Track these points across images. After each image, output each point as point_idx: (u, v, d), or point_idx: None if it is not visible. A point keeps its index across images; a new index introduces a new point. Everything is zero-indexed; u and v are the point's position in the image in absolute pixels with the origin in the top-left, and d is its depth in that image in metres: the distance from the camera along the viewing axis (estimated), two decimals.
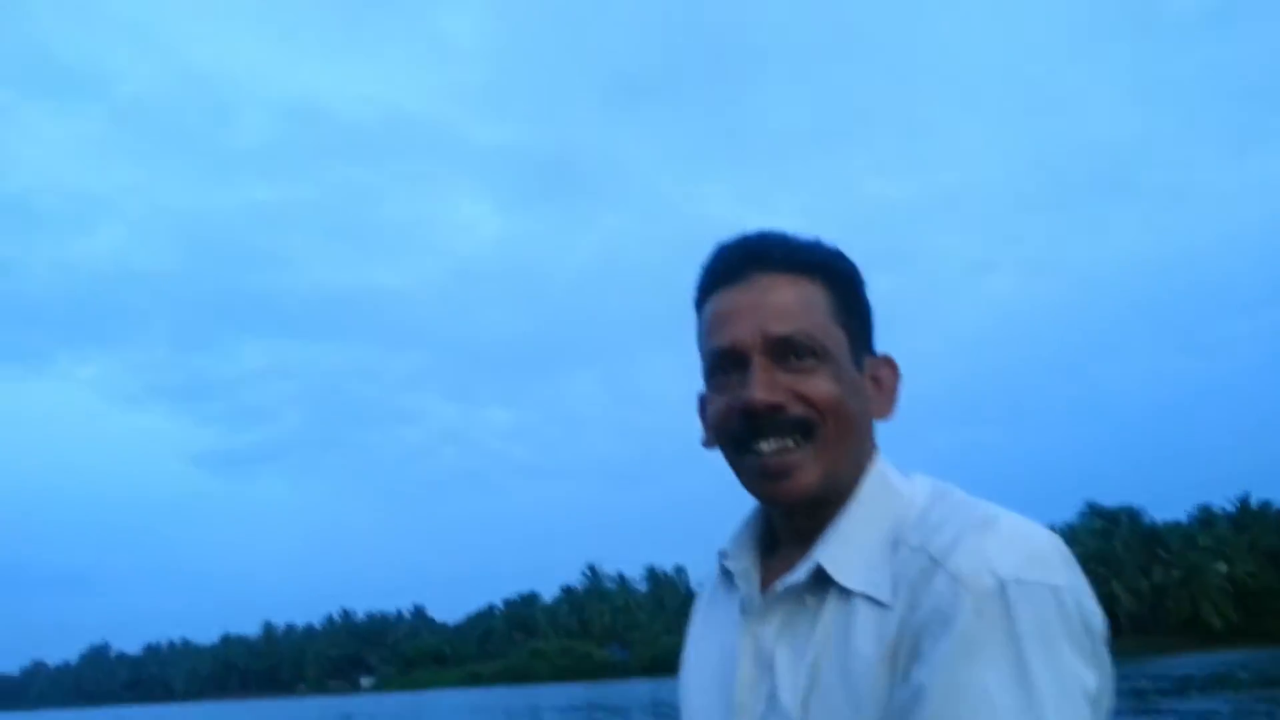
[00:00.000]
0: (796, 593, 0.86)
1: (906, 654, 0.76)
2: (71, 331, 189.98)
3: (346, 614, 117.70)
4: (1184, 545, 65.17)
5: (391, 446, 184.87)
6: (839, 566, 0.83)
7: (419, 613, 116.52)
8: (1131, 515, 70.32)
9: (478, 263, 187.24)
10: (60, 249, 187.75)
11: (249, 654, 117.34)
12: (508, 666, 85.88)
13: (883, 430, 0.93)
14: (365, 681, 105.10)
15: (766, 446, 0.85)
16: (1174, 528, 68.69)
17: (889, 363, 0.94)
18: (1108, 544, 65.98)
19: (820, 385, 0.85)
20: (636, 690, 50.60)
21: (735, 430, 0.87)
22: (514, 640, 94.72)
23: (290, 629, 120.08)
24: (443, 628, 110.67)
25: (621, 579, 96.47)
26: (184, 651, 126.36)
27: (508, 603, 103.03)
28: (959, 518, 0.80)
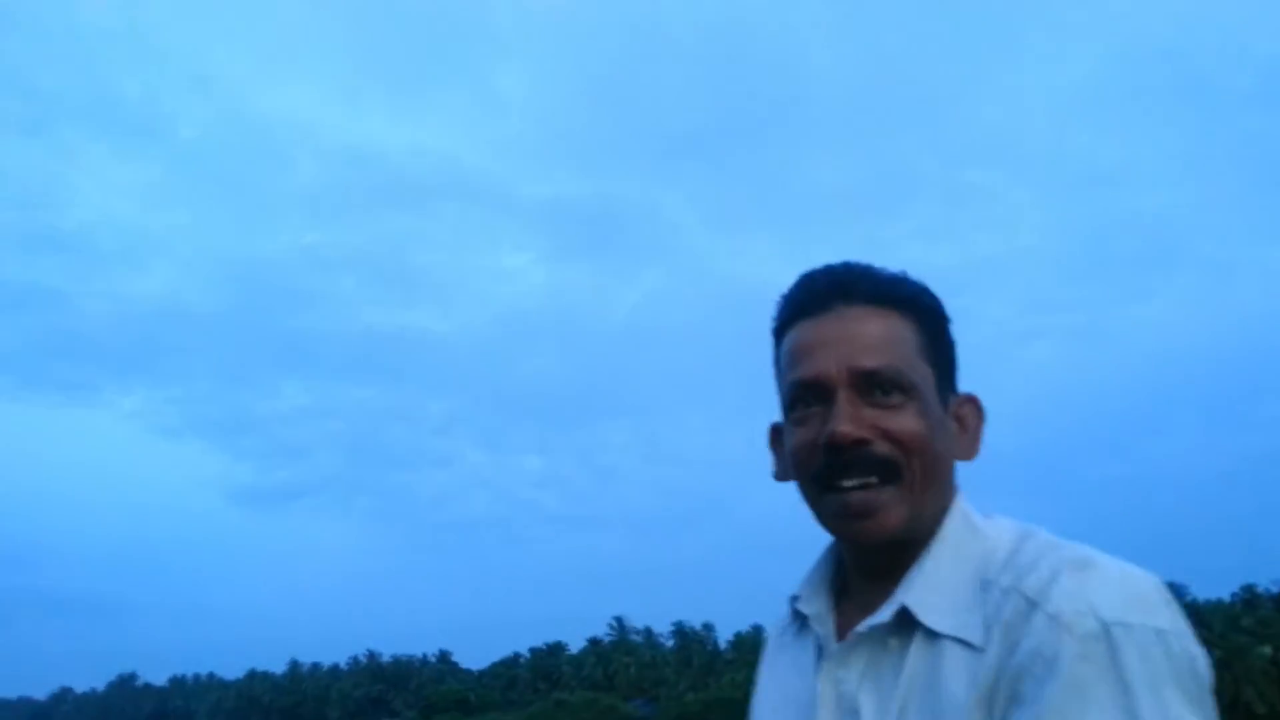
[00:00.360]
0: (879, 635, 0.83)
1: (1005, 698, 0.73)
2: (118, 364, 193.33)
3: (372, 655, 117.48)
4: (1227, 626, 63.64)
5: (424, 489, 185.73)
6: (926, 608, 0.80)
7: (444, 658, 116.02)
8: (1176, 592, 68.09)
9: (519, 312, 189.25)
10: (113, 285, 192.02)
11: (274, 691, 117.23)
12: (531, 716, 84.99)
13: None
14: None
15: (850, 484, 0.83)
16: (1217, 606, 67.06)
17: (973, 402, 0.91)
18: None
19: (907, 422, 0.83)
20: None
21: (816, 466, 0.85)
22: (538, 690, 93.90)
23: (316, 668, 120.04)
24: (468, 674, 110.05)
25: (649, 633, 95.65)
26: (209, 685, 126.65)
27: (534, 651, 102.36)
28: (1052, 557, 0.77)
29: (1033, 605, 0.74)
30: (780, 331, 0.92)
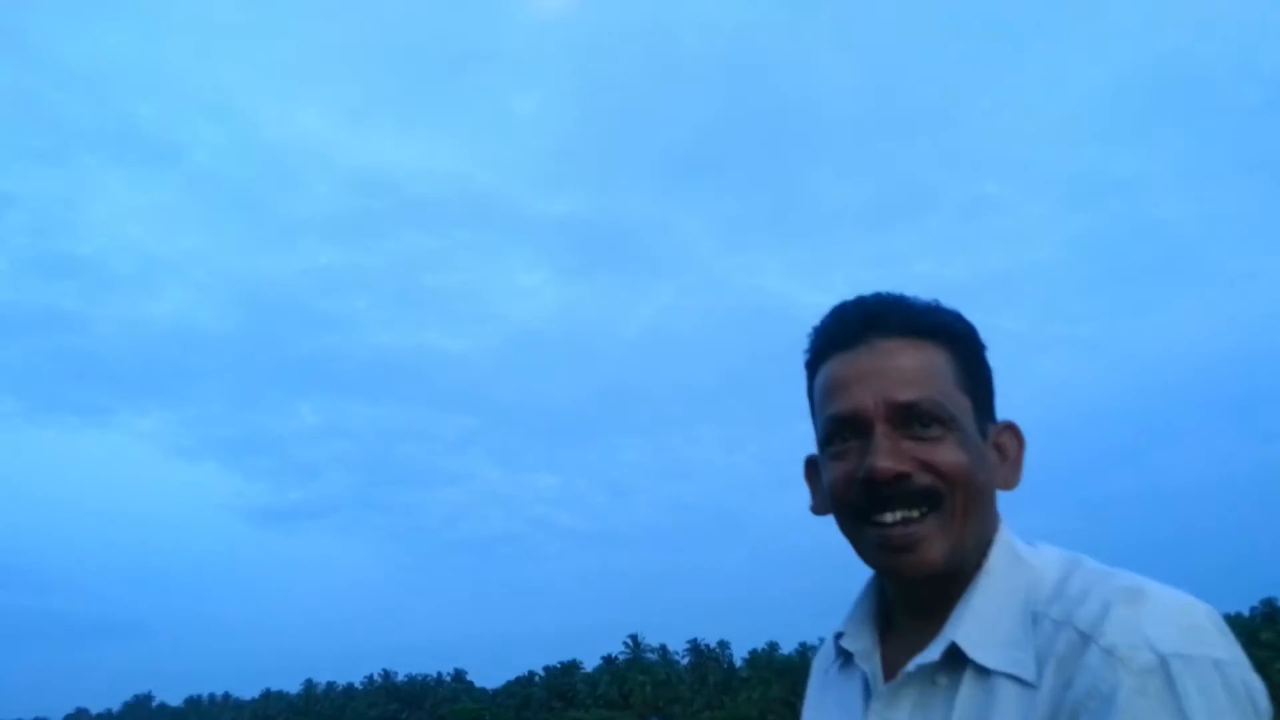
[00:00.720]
0: (928, 673, 0.82)
1: None
2: (133, 386, 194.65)
3: (387, 674, 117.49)
4: (1246, 641, 62.63)
5: (438, 508, 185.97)
6: (975, 644, 0.79)
7: (459, 676, 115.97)
8: None
9: (532, 330, 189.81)
10: (128, 308, 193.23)
11: (289, 710, 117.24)
12: None
13: None
14: None
15: (890, 518, 0.82)
16: (1235, 621, 66.59)
17: (1012, 429, 0.90)
18: None
19: (948, 454, 0.82)
20: None
21: (856, 500, 0.84)
22: (553, 708, 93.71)
23: (331, 687, 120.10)
24: (482, 692, 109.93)
25: (664, 651, 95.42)
26: (224, 705, 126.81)
27: (548, 670, 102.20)
28: (1102, 588, 0.76)
29: (1086, 639, 0.73)
30: (813, 365, 0.91)
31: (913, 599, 0.87)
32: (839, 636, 0.94)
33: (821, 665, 1.00)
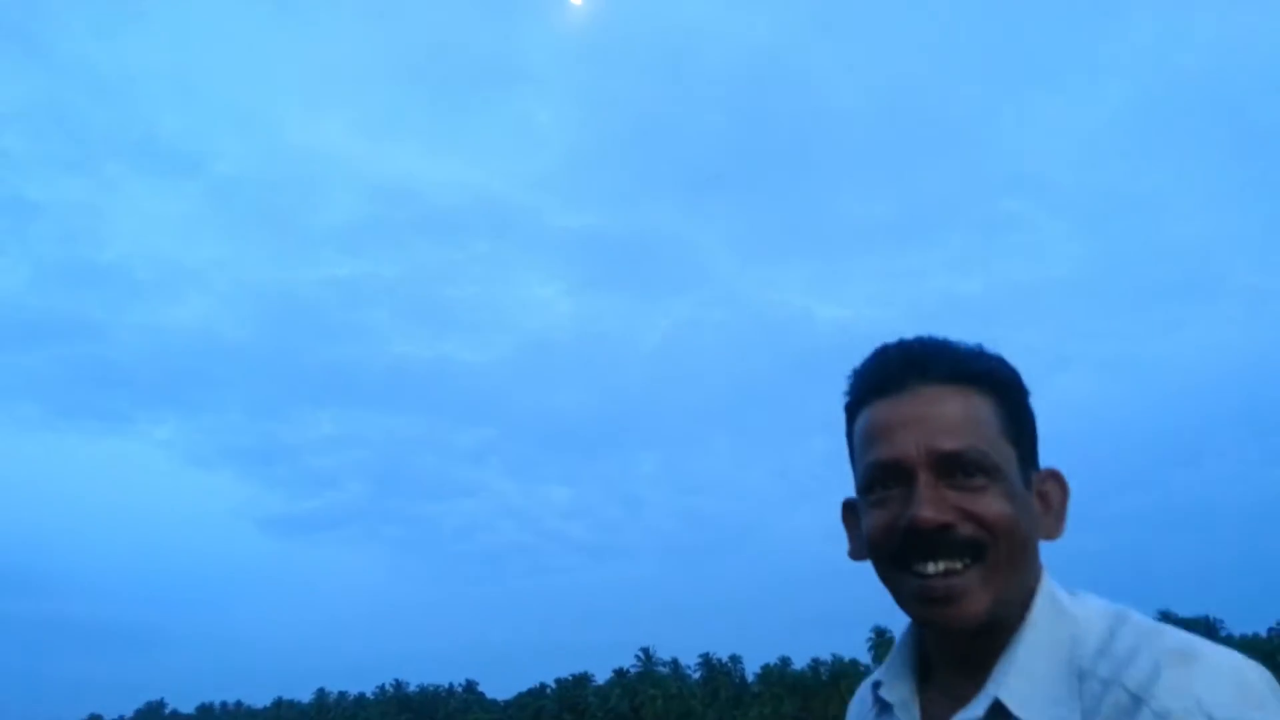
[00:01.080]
0: None
1: None
2: (152, 394, 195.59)
3: (399, 684, 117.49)
4: (1263, 663, 62.11)
5: (452, 519, 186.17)
6: (1020, 701, 0.77)
7: (470, 687, 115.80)
8: (1209, 627, 67.65)
9: (549, 342, 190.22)
10: (149, 316, 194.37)
11: (301, 719, 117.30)
12: None
13: None
14: None
15: (932, 568, 0.80)
16: (1253, 642, 65.87)
17: (1056, 478, 0.88)
18: None
19: (992, 504, 0.80)
20: None
21: (896, 549, 0.82)
22: None
23: (343, 696, 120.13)
24: (494, 704, 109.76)
25: (675, 664, 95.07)
26: (236, 713, 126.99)
27: (559, 682, 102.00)
28: (1151, 647, 0.74)
29: (1137, 701, 0.71)
30: (853, 408, 0.89)
31: (952, 651, 0.86)
32: (877, 685, 0.92)
33: (858, 713, 0.98)
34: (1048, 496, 0.87)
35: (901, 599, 0.84)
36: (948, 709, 0.82)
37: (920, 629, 0.91)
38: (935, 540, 0.79)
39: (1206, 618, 68.78)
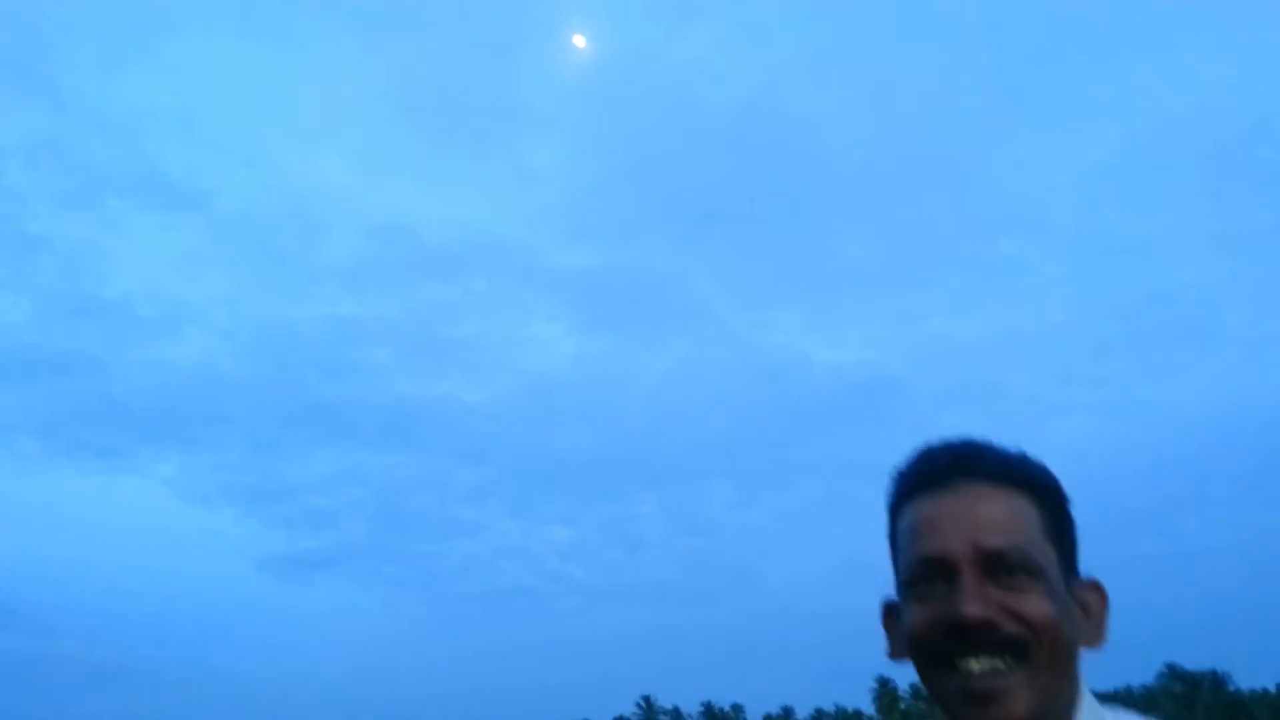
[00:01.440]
0: None
1: None
2: (153, 431, 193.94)
3: None
4: (1270, 715, 61.86)
5: (452, 559, 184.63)
6: None
7: None
8: (1215, 680, 67.06)
9: (549, 382, 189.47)
10: (151, 352, 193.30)
11: None
12: None
13: None
14: None
15: (976, 667, 0.79)
16: (1260, 696, 65.34)
17: (1097, 588, 0.88)
18: (1188, 710, 62.92)
19: (1037, 604, 0.80)
20: None
21: (938, 645, 0.81)
22: None
23: None
24: None
25: (677, 713, 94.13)
26: None
27: None
28: None
29: None
30: (898, 505, 0.90)
31: None
32: None
33: None
34: (1088, 605, 0.87)
35: (942, 700, 0.83)
36: None
37: None
38: (979, 637, 0.79)
39: (1214, 671, 68.19)
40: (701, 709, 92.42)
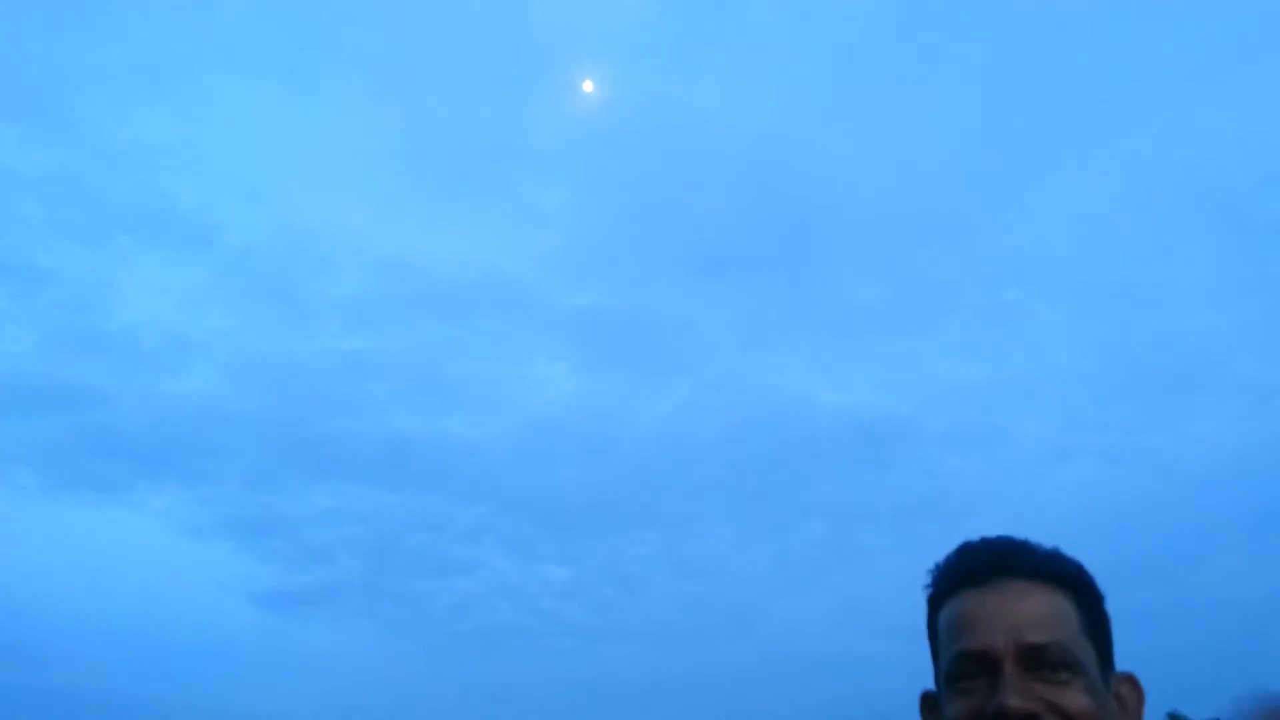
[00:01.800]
0: None
1: None
2: (151, 464, 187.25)
3: None
4: None
5: (447, 597, 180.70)
6: None
7: None
8: None
9: (551, 421, 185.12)
10: (152, 386, 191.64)
11: None
12: None
13: None
14: None
15: None
16: None
17: (1132, 681, 0.90)
18: None
19: (1076, 699, 0.81)
20: None
21: None
22: None
23: None
24: None
25: None
26: None
27: None
28: None
29: None
30: (938, 600, 0.91)
31: None
32: None
33: None
34: (1124, 699, 0.88)
35: None
36: None
37: None
38: None
39: None
40: None
